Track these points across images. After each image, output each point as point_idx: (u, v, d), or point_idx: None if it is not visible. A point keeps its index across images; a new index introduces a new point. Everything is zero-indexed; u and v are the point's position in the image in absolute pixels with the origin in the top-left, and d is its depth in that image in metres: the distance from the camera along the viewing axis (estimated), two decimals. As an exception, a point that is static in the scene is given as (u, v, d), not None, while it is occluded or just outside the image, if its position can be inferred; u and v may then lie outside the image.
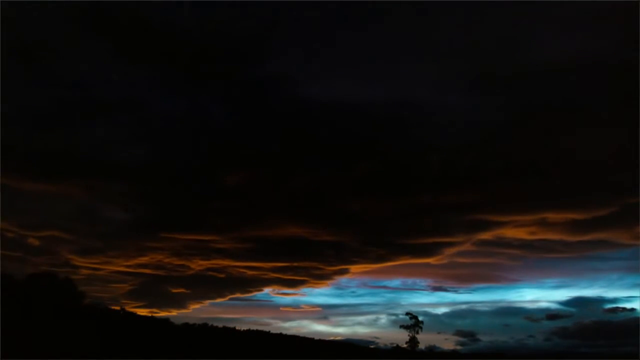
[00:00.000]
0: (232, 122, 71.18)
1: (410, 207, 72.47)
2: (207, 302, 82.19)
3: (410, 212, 73.26)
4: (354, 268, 79.60)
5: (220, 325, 52.96)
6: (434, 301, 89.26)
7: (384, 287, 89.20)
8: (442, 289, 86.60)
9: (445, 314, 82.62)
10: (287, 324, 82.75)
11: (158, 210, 74.72)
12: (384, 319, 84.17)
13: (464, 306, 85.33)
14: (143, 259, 73.70)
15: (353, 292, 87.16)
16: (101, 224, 74.25)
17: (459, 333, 73.88)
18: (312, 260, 76.82)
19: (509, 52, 60.00)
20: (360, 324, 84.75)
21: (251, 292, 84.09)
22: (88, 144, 66.74)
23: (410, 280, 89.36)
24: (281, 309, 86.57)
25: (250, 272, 78.33)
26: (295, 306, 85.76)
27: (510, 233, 71.83)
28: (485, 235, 73.04)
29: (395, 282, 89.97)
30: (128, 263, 73.65)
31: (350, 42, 64.61)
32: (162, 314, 68.85)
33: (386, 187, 70.60)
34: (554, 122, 61.90)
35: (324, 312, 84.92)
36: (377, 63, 67.58)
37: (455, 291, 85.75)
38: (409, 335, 52.89)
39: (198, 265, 76.38)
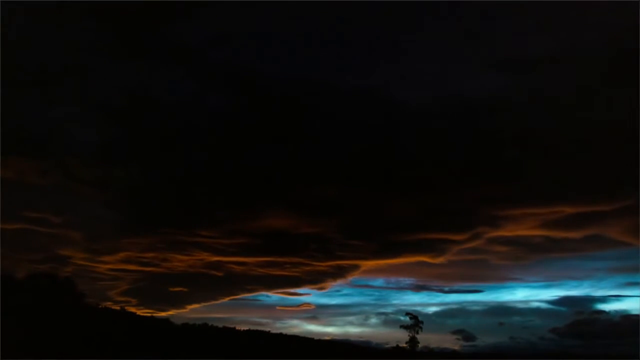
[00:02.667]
0: (196, 99, 64.39)
1: (398, 201, 70.15)
2: (196, 301, 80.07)
3: (399, 208, 71.27)
4: (347, 264, 77.87)
5: (218, 324, 53.27)
6: (423, 300, 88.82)
7: (370, 286, 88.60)
8: (432, 288, 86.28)
9: (435, 313, 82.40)
10: (277, 324, 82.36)
11: (135, 202, 68.89)
12: (374, 318, 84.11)
13: (454, 305, 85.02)
14: (122, 255, 70.14)
15: (338, 290, 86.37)
16: (74, 215, 65.74)
17: (452, 332, 73.66)
18: (301, 256, 73.55)
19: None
20: (351, 323, 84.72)
21: (241, 291, 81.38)
22: (31, 120, 57.60)
23: (398, 279, 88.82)
24: (277, 308, 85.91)
25: (238, 269, 75.54)
26: (286, 305, 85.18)
27: (501, 231, 71.27)
28: (477, 233, 72.16)
29: (385, 281, 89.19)
30: (112, 259, 70.40)
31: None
32: (149, 311, 67.08)
33: (376, 178, 67.18)
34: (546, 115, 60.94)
35: (314, 312, 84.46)
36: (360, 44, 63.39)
37: (442, 290, 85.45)
38: (409, 335, 52.90)
39: (179, 261, 72.67)
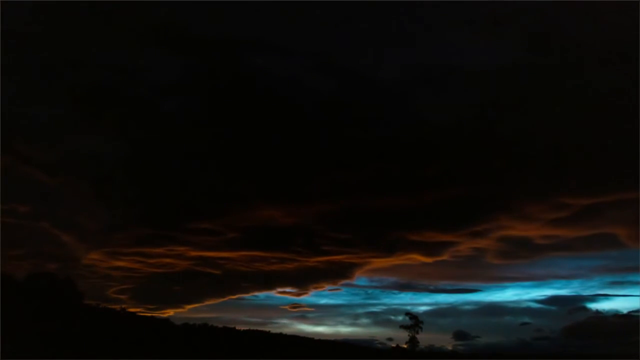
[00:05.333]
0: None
1: (391, 198, 67.63)
2: (194, 301, 77.87)
3: (391, 205, 69.04)
4: (340, 264, 76.47)
5: (217, 324, 53.27)
6: (414, 300, 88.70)
7: (360, 285, 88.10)
8: (421, 288, 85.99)
9: (426, 313, 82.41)
10: (268, 324, 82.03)
11: (99, 189, 63.29)
12: (364, 318, 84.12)
13: (444, 305, 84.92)
14: (106, 251, 67.77)
15: (328, 289, 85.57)
16: (42, 204, 60.41)
17: (444, 331, 73.68)
18: (290, 253, 71.62)
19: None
20: (341, 323, 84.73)
21: (233, 290, 79.64)
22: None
23: (389, 279, 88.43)
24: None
25: (229, 266, 72.82)
26: (276, 305, 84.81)
27: (493, 230, 70.92)
28: (469, 232, 71.43)
29: (376, 280, 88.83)
30: (98, 256, 67.89)
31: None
32: (139, 310, 65.31)
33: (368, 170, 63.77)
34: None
35: (304, 311, 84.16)
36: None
37: (428, 288, 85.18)
38: (408, 335, 52.96)
39: (164, 257, 69.93)
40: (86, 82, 55.92)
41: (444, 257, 75.14)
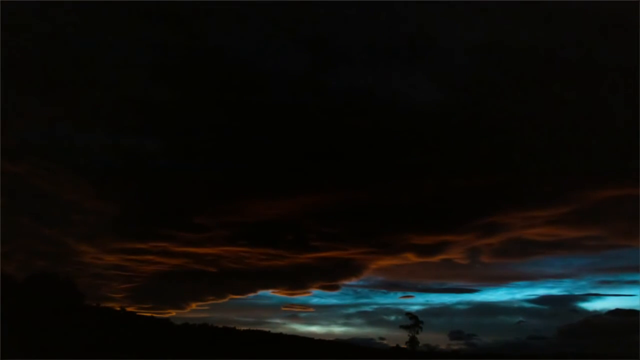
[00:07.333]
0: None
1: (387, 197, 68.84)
2: (192, 300, 77.51)
3: (388, 206, 69.99)
4: (337, 264, 76.24)
5: (217, 324, 53.15)
6: (408, 300, 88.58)
7: (354, 285, 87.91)
8: (411, 287, 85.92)
9: (419, 312, 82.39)
10: (262, 323, 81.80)
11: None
12: (356, 317, 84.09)
13: (438, 305, 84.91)
14: (95, 248, 66.99)
15: (322, 289, 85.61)
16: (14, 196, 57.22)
17: (439, 331, 73.61)
18: (282, 249, 71.90)
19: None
20: (334, 322, 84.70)
21: (225, 290, 79.29)
22: None
23: (383, 279, 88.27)
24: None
25: (219, 264, 73.01)
26: (270, 305, 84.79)
27: (488, 231, 71.14)
28: (463, 233, 71.59)
29: (369, 280, 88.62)
30: (91, 250, 67.11)
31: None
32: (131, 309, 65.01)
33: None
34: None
35: (296, 310, 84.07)
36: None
37: (417, 288, 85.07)
38: (408, 335, 53.06)
39: (150, 258, 69.66)
40: (58, 67, 53.49)
41: (437, 257, 75.53)
